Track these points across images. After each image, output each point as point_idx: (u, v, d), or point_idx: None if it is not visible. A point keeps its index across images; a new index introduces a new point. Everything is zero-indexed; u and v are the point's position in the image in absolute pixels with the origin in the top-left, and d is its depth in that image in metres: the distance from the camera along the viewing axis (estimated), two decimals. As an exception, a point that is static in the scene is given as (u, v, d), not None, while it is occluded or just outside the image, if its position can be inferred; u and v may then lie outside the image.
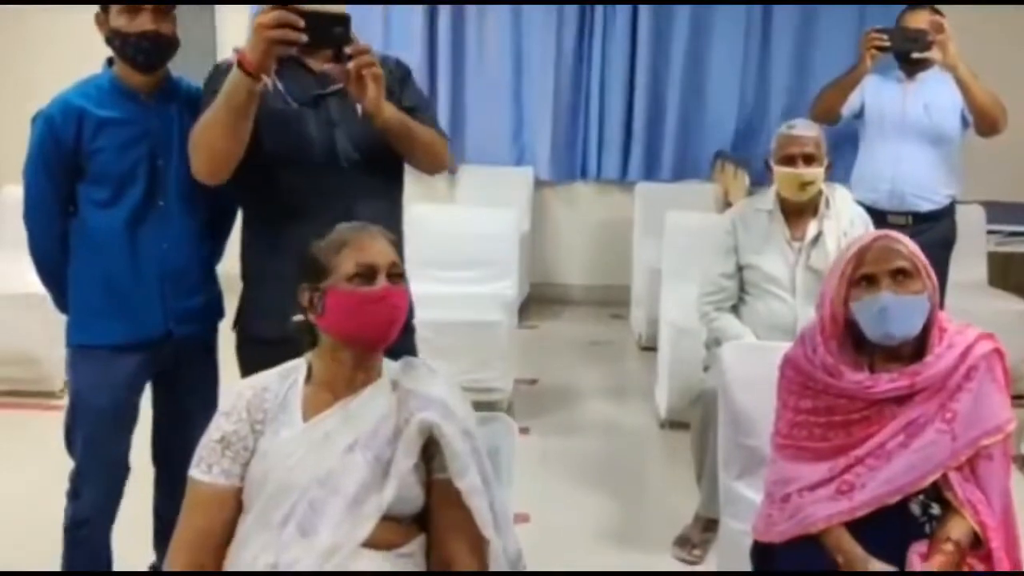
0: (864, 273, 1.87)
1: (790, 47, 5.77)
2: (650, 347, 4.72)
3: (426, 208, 4.68)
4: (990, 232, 4.82)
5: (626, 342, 5.36)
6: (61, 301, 2.35)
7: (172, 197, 2.27)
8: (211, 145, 1.97)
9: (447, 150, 2.22)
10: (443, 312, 4.02)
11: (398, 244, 1.78)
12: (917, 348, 1.88)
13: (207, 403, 2.38)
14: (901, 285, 1.84)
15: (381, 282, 1.63)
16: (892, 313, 1.83)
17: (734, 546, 2.26)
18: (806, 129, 2.87)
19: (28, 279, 2.46)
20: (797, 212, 2.89)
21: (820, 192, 2.88)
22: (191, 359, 2.38)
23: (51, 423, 2.54)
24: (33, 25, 5.80)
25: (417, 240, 4.43)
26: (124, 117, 2.23)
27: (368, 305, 1.61)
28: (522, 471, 2.15)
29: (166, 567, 1.62)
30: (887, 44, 3.24)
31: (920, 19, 3.28)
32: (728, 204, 4.92)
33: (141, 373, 2.33)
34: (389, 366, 1.73)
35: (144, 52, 2.19)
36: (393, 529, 1.59)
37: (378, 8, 5.77)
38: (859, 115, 3.53)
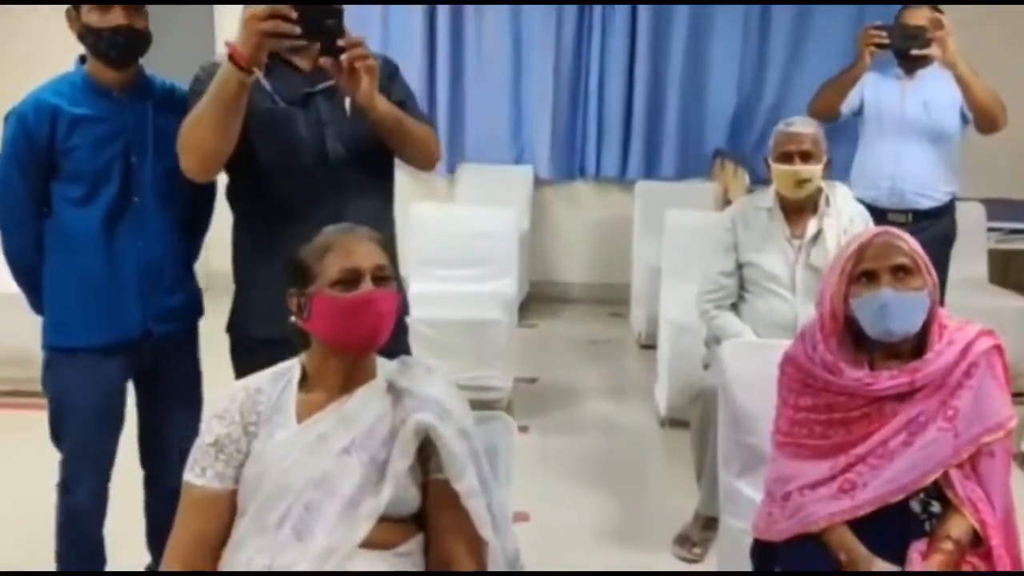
0: (864, 269, 1.86)
1: (790, 44, 5.76)
2: (650, 345, 4.72)
3: (426, 207, 4.69)
4: (990, 229, 4.81)
5: (626, 340, 5.35)
6: (36, 302, 2.33)
7: (147, 194, 2.26)
8: (201, 142, 1.96)
9: (438, 145, 2.21)
10: (443, 311, 4.02)
11: (388, 243, 1.77)
12: (917, 345, 1.87)
13: (190, 402, 2.40)
14: (901, 282, 1.83)
15: (366, 286, 1.61)
16: (892, 310, 1.82)
17: (734, 544, 2.26)
18: (804, 126, 2.86)
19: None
20: (797, 210, 2.89)
21: (820, 190, 2.88)
22: (171, 358, 2.37)
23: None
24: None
25: (417, 239, 4.45)
26: (98, 115, 2.21)
27: (352, 311, 1.60)
28: (522, 470, 2.15)
29: (161, 570, 1.62)
30: (886, 41, 3.24)
31: (919, 16, 3.27)
32: (728, 202, 4.91)
33: (122, 373, 2.33)
34: (385, 365, 1.71)
35: (118, 47, 2.18)
36: (390, 529, 1.58)
37: (377, 7, 5.77)
38: (858, 112, 3.52)
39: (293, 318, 1.67)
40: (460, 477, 1.58)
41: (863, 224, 2.86)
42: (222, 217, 2.32)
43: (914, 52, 3.25)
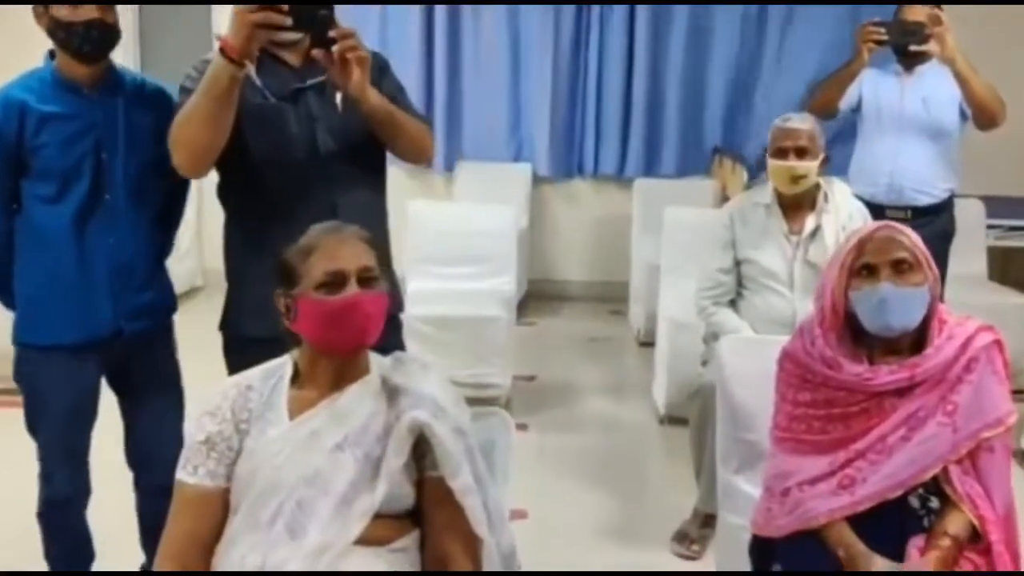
0: (865, 263, 1.86)
1: (787, 41, 5.75)
2: (649, 343, 4.71)
3: (424, 205, 4.70)
4: (990, 226, 4.82)
5: (625, 338, 5.35)
6: (7, 299, 2.31)
7: (118, 191, 2.24)
8: (193, 138, 1.95)
9: (431, 138, 2.20)
10: (441, 308, 4.03)
11: (379, 238, 1.76)
12: (917, 340, 1.87)
13: (169, 399, 2.40)
14: (901, 277, 1.83)
15: (351, 289, 1.59)
16: (891, 304, 1.82)
17: (732, 541, 2.25)
18: (800, 122, 2.86)
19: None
20: (795, 206, 2.88)
21: (818, 186, 2.87)
22: (144, 355, 2.36)
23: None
24: None
25: (416, 237, 4.45)
26: (67, 112, 2.19)
27: (337, 315, 1.58)
28: (520, 467, 2.14)
29: (155, 569, 1.61)
30: (884, 37, 3.23)
31: (918, 12, 3.27)
32: (726, 199, 4.91)
33: (95, 371, 2.32)
34: (378, 361, 1.70)
35: (92, 42, 2.15)
36: (385, 525, 1.57)
37: (375, 6, 5.76)
38: (857, 109, 3.52)
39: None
40: (455, 475, 1.57)
41: (861, 221, 2.85)
42: (220, 215, 2.31)
43: (913, 48, 3.24)
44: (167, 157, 2.28)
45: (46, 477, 2.33)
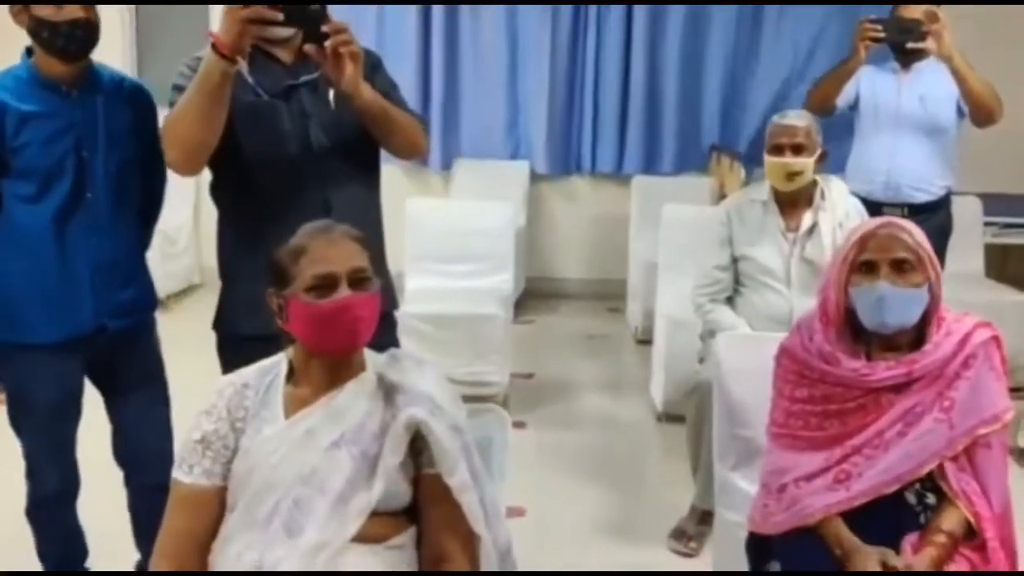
0: (865, 259, 1.86)
1: (786, 38, 5.75)
2: (646, 340, 4.71)
3: (422, 203, 4.69)
4: (987, 224, 4.82)
5: (622, 336, 5.35)
6: None
7: (100, 190, 2.23)
8: (186, 135, 1.94)
9: (424, 134, 2.20)
10: (439, 306, 4.03)
11: (373, 235, 1.75)
12: (916, 338, 1.87)
13: (155, 396, 2.41)
14: (901, 276, 1.83)
15: (342, 292, 1.57)
16: (889, 303, 1.82)
17: (729, 537, 2.26)
18: (797, 119, 2.86)
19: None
20: (792, 203, 2.88)
21: (815, 183, 2.88)
22: (127, 352, 2.36)
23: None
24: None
25: (413, 235, 4.45)
26: (47, 110, 2.17)
27: (328, 319, 1.57)
28: (518, 465, 2.15)
29: (151, 569, 1.61)
30: (882, 35, 3.22)
31: (915, 9, 3.27)
32: (723, 197, 4.91)
33: (78, 369, 2.32)
34: (374, 359, 1.69)
35: (77, 41, 2.14)
36: (382, 522, 1.57)
37: (372, 5, 5.75)
38: (854, 106, 3.52)
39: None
40: (452, 472, 1.57)
41: (858, 218, 2.85)
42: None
43: (910, 46, 3.24)
44: (146, 155, 2.29)
45: (32, 475, 2.34)
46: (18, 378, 2.27)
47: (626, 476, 3.55)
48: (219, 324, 2.17)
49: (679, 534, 2.99)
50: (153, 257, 2.55)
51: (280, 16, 1.82)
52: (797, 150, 2.80)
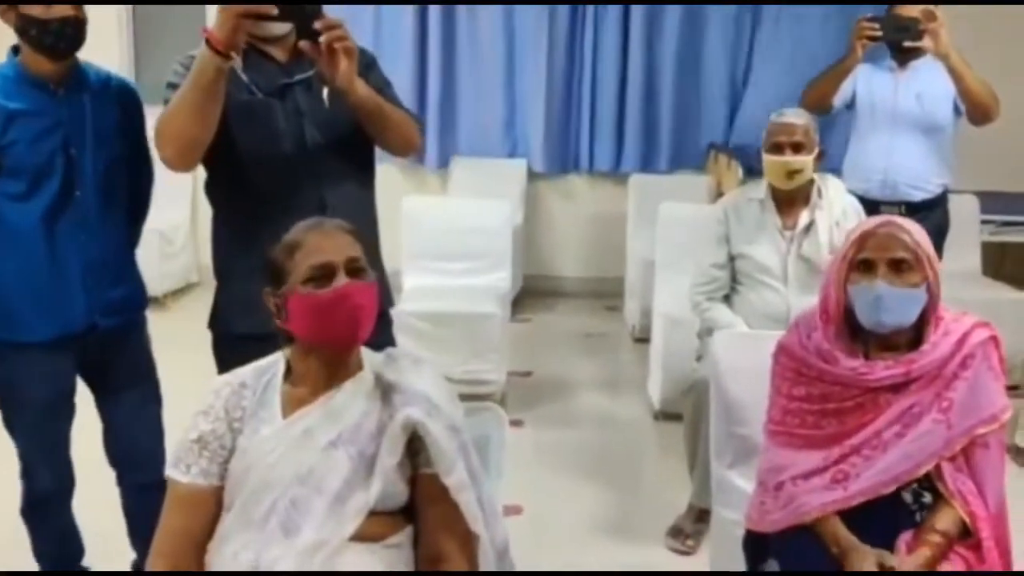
0: (864, 258, 1.86)
1: (783, 36, 5.75)
2: (644, 339, 4.71)
3: (419, 201, 4.69)
4: (984, 222, 4.82)
5: (620, 334, 5.35)
6: None
7: (88, 188, 2.23)
8: (180, 131, 1.94)
9: (419, 131, 2.20)
10: (436, 304, 4.03)
11: (367, 232, 1.75)
12: (913, 337, 1.87)
13: (146, 394, 2.40)
14: (899, 276, 1.83)
15: (340, 281, 1.57)
16: (886, 303, 1.82)
17: (726, 536, 2.26)
18: (795, 117, 2.87)
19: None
20: (789, 201, 2.89)
21: (812, 181, 2.88)
22: (118, 349, 2.36)
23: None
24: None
25: (410, 233, 4.45)
26: (35, 108, 2.17)
27: (328, 307, 1.57)
28: (515, 463, 2.15)
29: (148, 568, 1.61)
30: (878, 33, 3.23)
31: (912, 8, 3.27)
32: (721, 195, 4.91)
33: (70, 367, 2.31)
34: (371, 358, 1.69)
35: (67, 38, 2.13)
36: (379, 521, 1.57)
37: (369, 5, 5.74)
38: (851, 105, 3.52)
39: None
40: (449, 472, 1.56)
41: (855, 217, 2.86)
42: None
43: (907, 44, 3.24)
44: (133, 153, 2.29)
45: (27, 475, 2.33)
46: (10, 377, 2.27)
47: (623, 474, 3.55)
48: (214, 323, 2.16)
49: (676, 532, 2.99)
50: (150, 256, 2.55)
51: (274, 11, 1.82)
52: (796, 148, 2.81)
